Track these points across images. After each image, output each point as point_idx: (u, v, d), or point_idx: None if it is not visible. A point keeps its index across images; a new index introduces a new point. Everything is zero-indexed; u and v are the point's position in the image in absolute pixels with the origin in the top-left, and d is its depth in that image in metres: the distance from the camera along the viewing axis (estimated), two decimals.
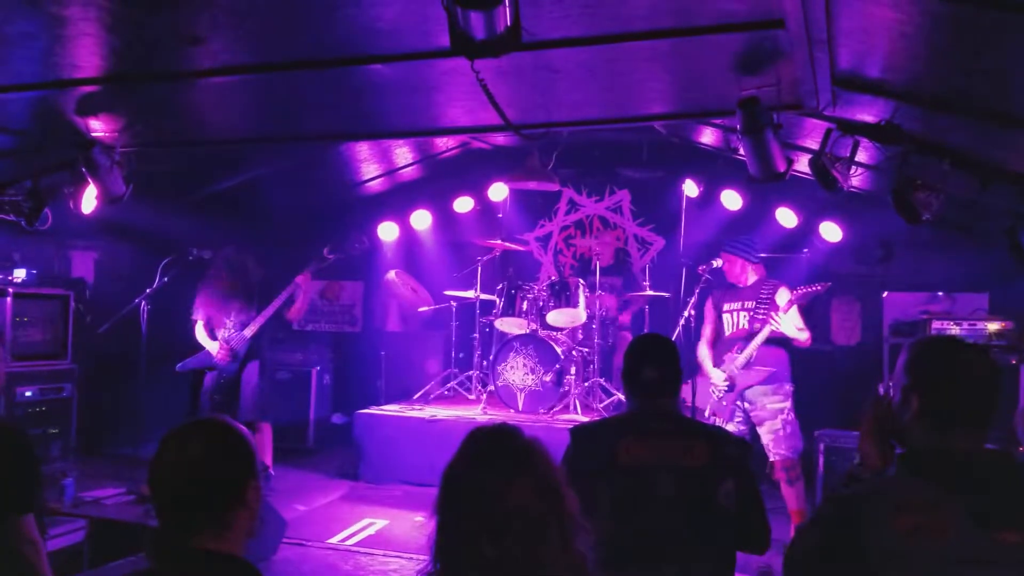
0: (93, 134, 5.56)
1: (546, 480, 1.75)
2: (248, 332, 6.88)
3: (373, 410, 7.80)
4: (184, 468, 1.86)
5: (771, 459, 5.75)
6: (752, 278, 6.16)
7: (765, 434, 5.77)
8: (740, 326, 6.03)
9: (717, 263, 6.55)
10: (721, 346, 6.11)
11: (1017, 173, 4.89)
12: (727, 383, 5.88)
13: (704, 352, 6.19)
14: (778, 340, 5.83)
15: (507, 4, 2.67)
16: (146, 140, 5.97)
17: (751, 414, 5.85)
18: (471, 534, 1.70)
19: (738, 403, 5.87)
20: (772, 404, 5.76)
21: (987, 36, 3.31)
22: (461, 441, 1.88)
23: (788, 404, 5.80)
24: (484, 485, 1.73)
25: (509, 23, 2.75)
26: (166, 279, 6.84)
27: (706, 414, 5.96)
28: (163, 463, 1.89)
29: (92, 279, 8.08)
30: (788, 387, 5.86)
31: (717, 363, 6.02)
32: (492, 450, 1.80)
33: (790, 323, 5.80)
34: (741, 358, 5.85)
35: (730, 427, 5.78)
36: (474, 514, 1.71)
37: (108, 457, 7.59)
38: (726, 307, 6.13)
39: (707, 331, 6.27)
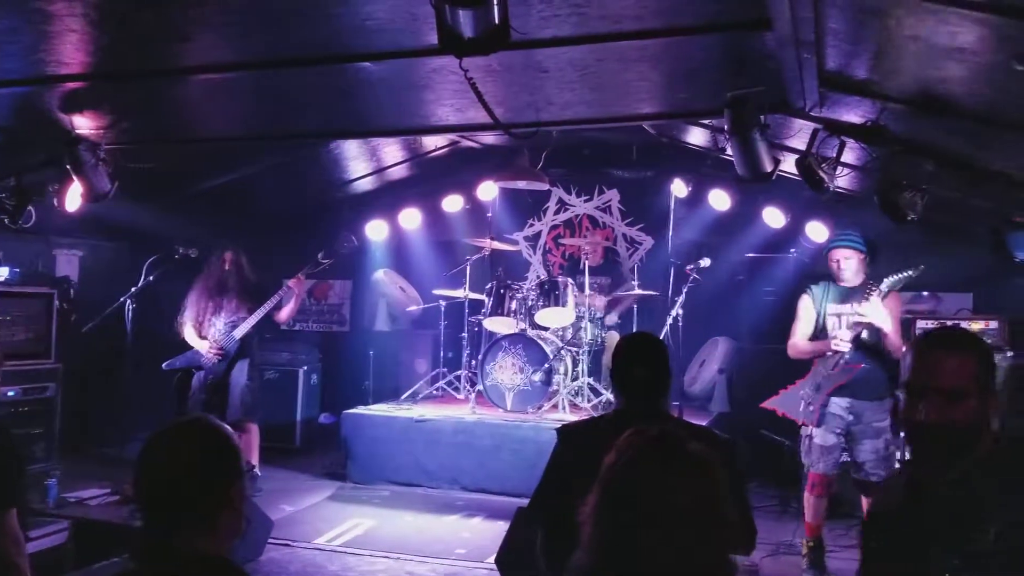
0: (78, 131, 5.53)
1: (710, 487, 1.74)
2: (238, 333, 6.85)
3: (361, 410, 7.77)
4: (169, 469, 1.85)
5: (862, 477, 5.35)
6: (860, 276, 5.53)
7: (865, 452, 5.29)
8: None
9: (705, 262, 6.54)
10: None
11: (1001, 174, 4.92)
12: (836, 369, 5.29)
13: (804, 343, 5.56)
14: (874, 351, 5.30)
15: (495, 2, 2.67)
16: (132, 137, 5.95)
17: (853, 427, 5.31)
18: (629, 531, 1.69)
19: (838, 412, 5.33)
20: (877, 422, 5.28)
21: (971, 38, 3.33)
22: (622, 438, 1.86)
23: (888, 424, 5.24)
24: (649, 483, 1.73)
25: (497, 21, 2.74)
26: (151, 278, 6.81)
27: (800, 422, 5.50)
28: (148, 463, 1.88)
29: (77, 277, 8.02)
30: (889, 402, 5.18)
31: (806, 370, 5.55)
32: (660, 451, 1.79)
33: (881, 313, 5.17)
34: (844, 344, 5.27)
35: (822, 433, 5.32)
36: (634, 510, 1.70)
37: (92, 457, 7.54)
38: (831, 310, 5.51)
39: (800, 331, 5.60)
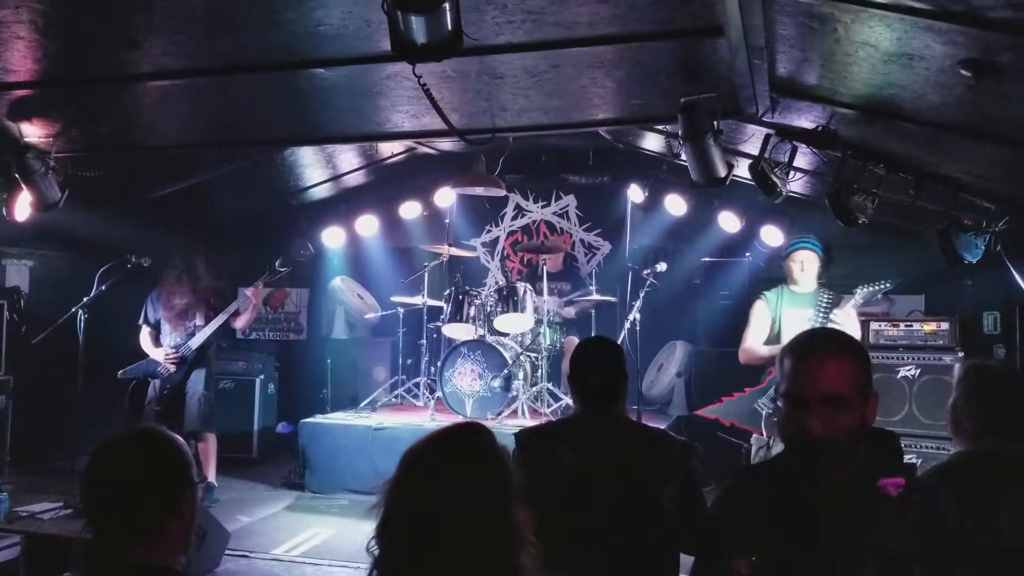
0: (27, 139, 5.42)
1: (496, 487, 1.74)
2: (194, 343, 6.76)
3: (319, 419, 7.70)
4: (116, 478, 1.82)
5: None
6: (816, 281, 5.55)
7: None
8: None
9: (661, 267, 6.59)
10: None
11: (949, 177, 5.03)
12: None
13: (759, 346, 5.47)
14: None
15: (447, 8, 2.67)
16: (82, 145, 5.83)
17: None
18: (409, 526, 1.70)
19: None
20: None
21: (918, 44, 3.40)
22: (442, 427, 1.88)
23: None
24: (430, 475, 1.73)
25: (450, 27, 2.75)
26: (104, 287, 6.68)
27: (762, 434, 5.33)
28: (94, 474, 1.86)
29: (27, 288, 7.86)
30: None
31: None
32: (449, 444, 1.80)
33: (853, 323, 5.25)
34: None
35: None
36: (414, 504, 1.70)
37: (44, 470, 7.37)
38: (789, 314, 5.45)
39: (753, 336, 5.54)
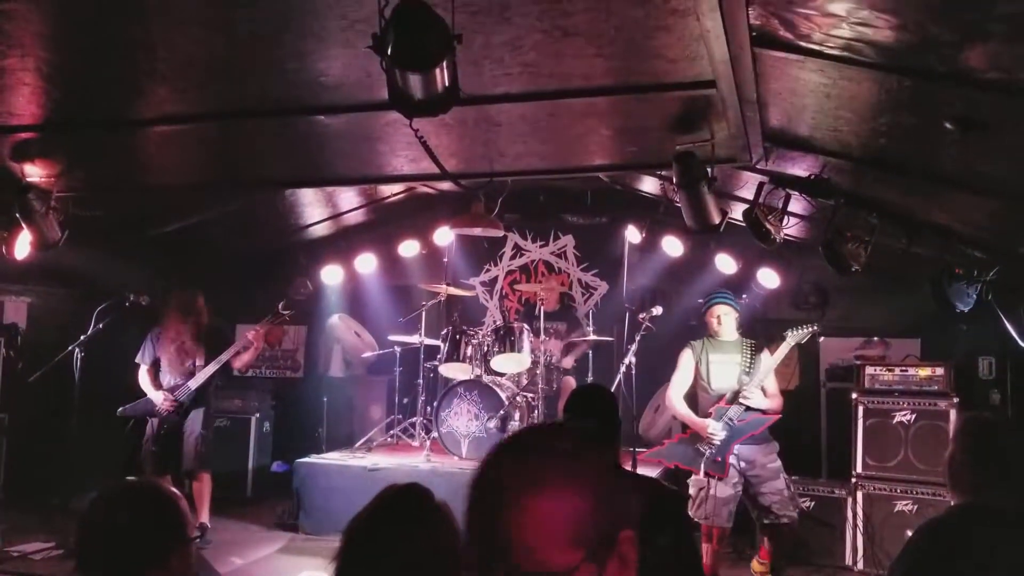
0: (29, 179, 5.47)
1: (443, 545, 1.78)
2: (194, 384, 6.76)
3: (314, 458, 7.66)
4: (108, 532, 1.85)
5: (776, 521, 5.47)
6: (735, 332, 5.97)
7: (769, 495, 5.45)
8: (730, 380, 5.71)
9: (657, 311, 6.66)
10: (704, 400, 5.83)
11: (941, 225, 5.08)
12: (724, 433, 5.50)
13: (681, 403, 5.86)
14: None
15: (444, 66, 2.72)
16: (84, 185, 5.88)
17: (748, 475, 5.49)
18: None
19: (731, 463, 5.47)
20: (771, 464, 5.52)
21: (905, 100, 3.46)
22: (380, 492, 1.92)
23: (780, 463, 5.60)
24: (380, 538, 1.77)
25: (447, 83, 2.80)
26: (101, 325, 6.69)
27: (700, 475, 5.52)
28: (89, 525, 1.89)
29: (25, 325, 7.88)
30: (775, 444, 5.65)
31: (702, 415, 5.70)
32: (396, 505, 1.84)
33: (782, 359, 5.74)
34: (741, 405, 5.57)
35: (721, 485, 5.42)
36: (366, 565, 1.73)
37: (37, 510, 7.33)
38: (714, 359, 5.84)
39: (679, 380, 5.94)
